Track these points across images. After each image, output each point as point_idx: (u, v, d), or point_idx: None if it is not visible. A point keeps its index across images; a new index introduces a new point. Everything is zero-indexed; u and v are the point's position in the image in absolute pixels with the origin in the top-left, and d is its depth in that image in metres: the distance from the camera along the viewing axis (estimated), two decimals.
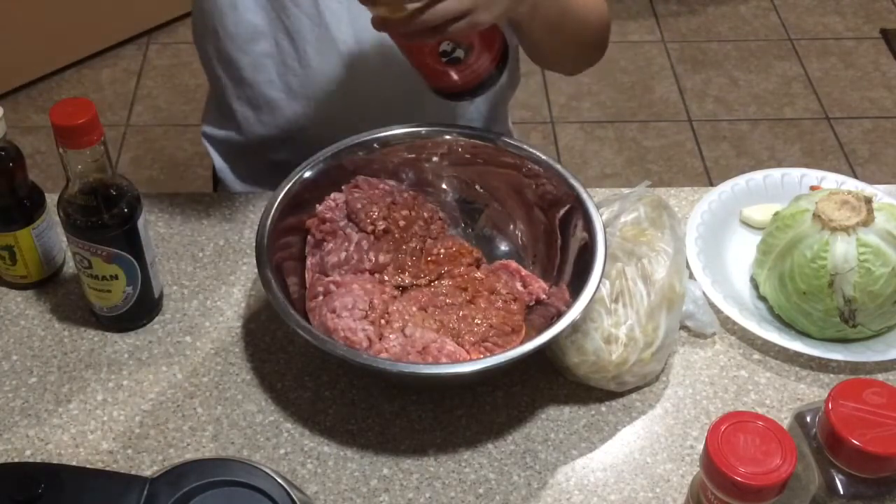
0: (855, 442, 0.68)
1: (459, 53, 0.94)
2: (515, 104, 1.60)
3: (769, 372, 0.94)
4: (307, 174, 0.96)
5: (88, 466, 0.84)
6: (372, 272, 0.94)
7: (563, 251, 0.95)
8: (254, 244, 0.91)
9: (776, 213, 0.99)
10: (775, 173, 1.11)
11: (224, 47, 1.11)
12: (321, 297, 0.91)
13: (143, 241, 0.91)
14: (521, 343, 0.87)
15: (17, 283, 0.99)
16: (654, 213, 0.94)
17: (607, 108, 2.53)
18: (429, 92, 1.01)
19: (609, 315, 0.89)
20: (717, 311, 0.96)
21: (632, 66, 2.65)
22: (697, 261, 1.00)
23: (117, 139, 2.40)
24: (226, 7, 1.07)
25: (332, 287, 0.91)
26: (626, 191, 0.98)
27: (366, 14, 1.03)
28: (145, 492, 0.68)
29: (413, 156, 1.00)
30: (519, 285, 0.94)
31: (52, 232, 0.98)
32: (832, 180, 1.09)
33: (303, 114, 1.12)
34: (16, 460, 0.85)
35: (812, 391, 0.92)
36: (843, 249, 0.91)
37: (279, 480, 0.69)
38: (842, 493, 0.71)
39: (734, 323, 0.95)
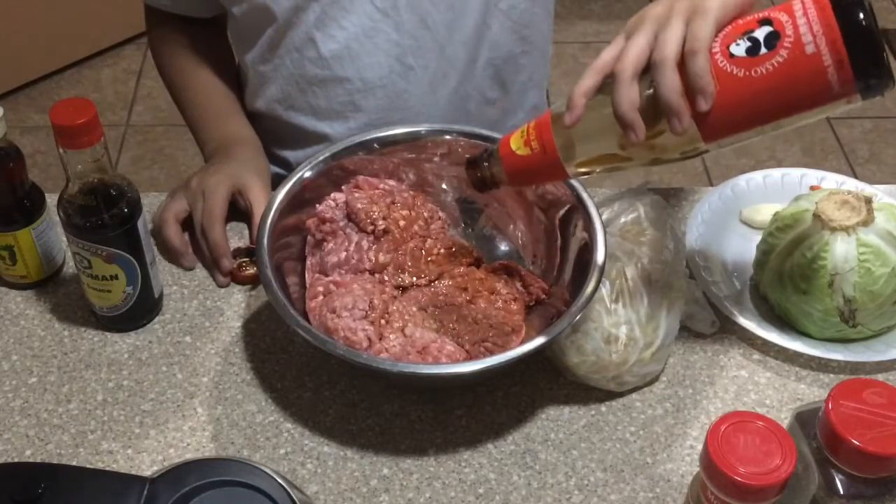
0: (855, 442, 0.68)
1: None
2: None
3: (769, 372, 0.94)
4: (307, 174, 0.96)
5: (88, 466, 0.84)
6: (372, 272, 0.94)
7: (563, 251, 0.95)
8: (254, 244, 0.91)
9: (776, 213, 0.99)
10: (775, 173, 1.11)
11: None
12: (321, 297, 0.91)
13: (143, 241, 0.91)
14: (521, 343, 0.87)
15: (17, 283, 0.99)
16: (654, 213, 0.94)
17: None
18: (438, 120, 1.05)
19: (609, 315, 0.88)
20: (717, 311, 0.96)
21: None
22: (697, 261, 1.00)
23: (117, 139, 2.40)
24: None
25: (332, 287, 0.91)
26: (626, 191, 0.98)
27: (366, 51, 1.06)
28: (145, 492, 0.68)
29: (413, 156, 1.00)
30: (519, 285, 0.94)
31: (52, 232, 0.98)
32: (832, 180, 1.09)
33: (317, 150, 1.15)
34: (16, 460, 0.85)
35: (812, 391, 0.92)
36: (843, 249, 0.91)
37: (279, 480, 0.69)
38: (842, 493, 0.71)
39: (734, 323, 0.95)
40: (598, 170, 0.80)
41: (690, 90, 0.72)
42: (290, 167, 1.18)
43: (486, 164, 0.85)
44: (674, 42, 0.72)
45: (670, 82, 0.72)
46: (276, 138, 1.18)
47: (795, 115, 0.73)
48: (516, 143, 0.82)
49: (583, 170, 0.81)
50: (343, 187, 0.98)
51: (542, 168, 0.82)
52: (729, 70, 0.72)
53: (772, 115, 0.73)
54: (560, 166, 0.80)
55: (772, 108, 0.73)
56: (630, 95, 0.73)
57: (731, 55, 0.72)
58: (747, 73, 0.71)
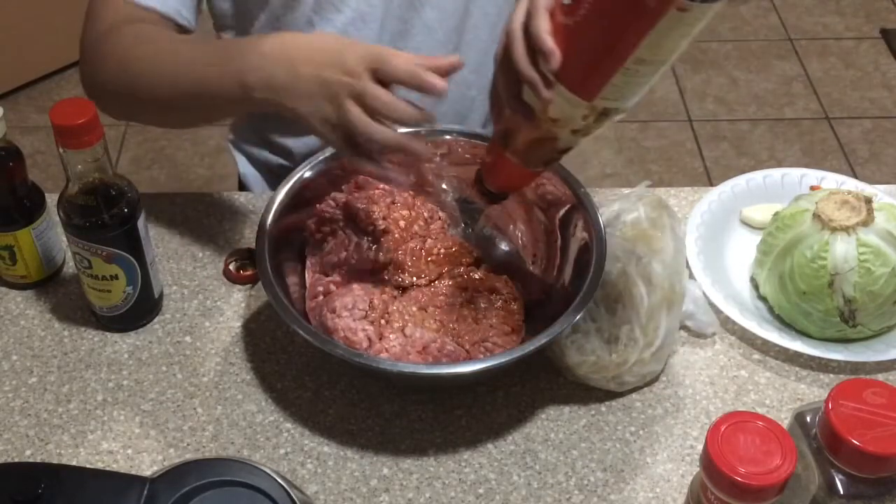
0: (855, 442, 0.68)
1: None
2: None
3: (769, 372, 0.94)
4: (307, 174, 0.96)
5: (88, 466, 0.84)
6: (372, 272, 0.94)
7: (563, 251, 0.95)
8: (254, 244, 0.91)
9: (776, 213, 0.99)
10: (775, 173, 1.11)
11: None
12: (321, 297, 0.91)
13: (143, 241, 0.91)
14: (521, 343, 0.87)
15: (17, 283, 0.99)
16: (654, 213, 0.94)
17: None
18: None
19: (609, 315, 0.88)
20: (717, 311, 0.96)
21: None
22: (697, 261, 1.00)
23: (117, 139, 2.40)
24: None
25: (332, 287, 0.91)
26: (626, 191, 0.98)
27: (362, 35, 1.06)
28: (145, 492, 0.68)
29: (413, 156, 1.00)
30: (519, 285, 0.94)
31: (52, 232, 0.98)
32: (832, 180, 1.09)
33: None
34: (16, 460, 0.85)
35: (812, 391, 0.92)
36: (843, 249, 0.91)
37: (279, 480, 0.69)
38: (842, 493, 0.71)
39: (734, 323, 0.95)
40: (540, 158, 0.81)
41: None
42: (291, 155, 1.17)
43: (481, 179, 0.88)
44: (521, 13, 0.73)
45: (516, 53, 0.73)
46: (276, 126, 1.17)
47: (642, 46, 0.68)
48: (486, 152, 0.86)
49: (532, 161, 0.82)
50: (343, 187, 0.98)
51: (505, 168, 0.84)
52: (563, 22, 0.71)
53: (616, 51, 0.69)
54: (510, 162, 0.83)
55: (610, 45, 0.70)
56: (501, 80, 0.75)
57: (563, 6, 0.71)
58: (575, 19, 0.70)
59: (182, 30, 1.00)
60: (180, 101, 0.91)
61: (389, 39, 1.08)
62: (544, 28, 0.71)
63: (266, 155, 1.19)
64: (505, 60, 0.75)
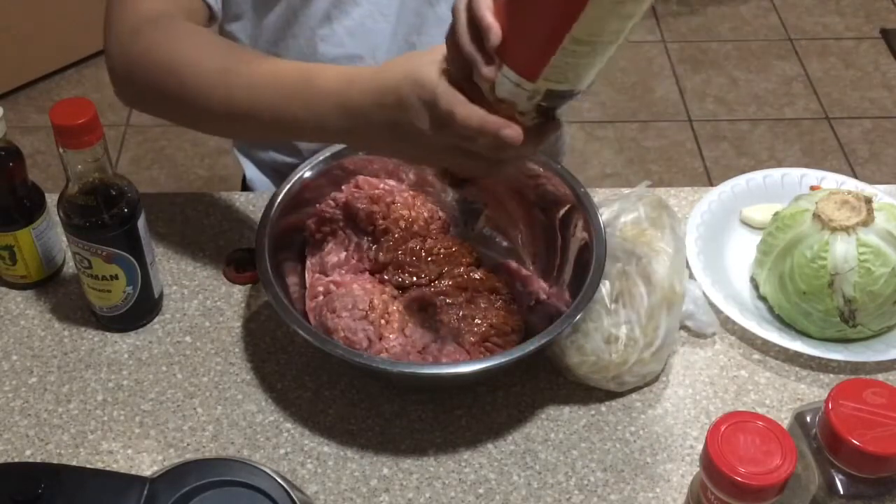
0: (855, 442, 0.68)
1: None
2: None
3: (769, 372, 0.94)
4: (307, 174, 0.96)
5: (88, 466, 0.84)
6: (372, 272, 0.94)
7: (563, 251, 0.95)
8: (254, 244, 0.91)
9: (776, 213, 0.99)
10: (775, 173, 1.11)
11: None
12: (321, 297, 0.91)
13: (142, 241, 0.91)
14: (521, 343, 0.87)
15: (17, 283, 0.99)
16: (654, 213, 0.94)
17: (607, 108, 2.53)
18: None
19: (609, 315, 0.88)
20: (717, 311, 0.96)
21: (632, 66, 2.65)
22: (697, 261, 1.00)
23: (117, 139, 2.40)
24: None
25: (332, 287, 0.91)
26: (626, 191, 0.98)
27: (379, 29, 1.05)
28: (145, 492, 0.68)
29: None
30: (519, 285, 0.94)
31: (52, 232, 0.98)
32: (832, 180, 1.09)
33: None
34: (16, 460, 0.85)
35: (812, 391, 0.92)
36: (843, 249, 0.91)
37: (279, 480, 0.69)
38: (842, 493, 0.71)
39: (734, 323, 0.95)
40: None
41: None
42: (299, 153, 1.17)
43: None
44: None
45: (458, 31, 0.72)
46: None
47: (578, 25, 0.65)
48: None
49: None
50: (343, 187, 0.98)
51: None
52: None
53: (552, 30, 0.67)
54: None
55: (546, 23, 0.67)
56: (453, 63, 0.73)
57: None
58: None
59: (210, 14, 0.99)
60: (253, 123, 0.88)
61: (405, 33, 1.08)
62: (485, 4, 0.70)
63: (273, 155, 1.19)
64: (454, 41, 0.74)
